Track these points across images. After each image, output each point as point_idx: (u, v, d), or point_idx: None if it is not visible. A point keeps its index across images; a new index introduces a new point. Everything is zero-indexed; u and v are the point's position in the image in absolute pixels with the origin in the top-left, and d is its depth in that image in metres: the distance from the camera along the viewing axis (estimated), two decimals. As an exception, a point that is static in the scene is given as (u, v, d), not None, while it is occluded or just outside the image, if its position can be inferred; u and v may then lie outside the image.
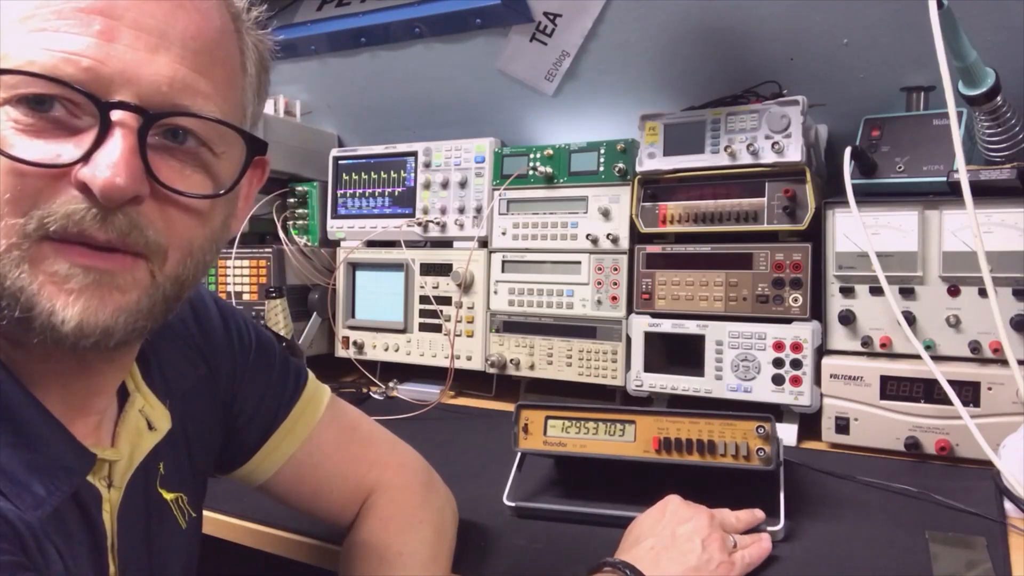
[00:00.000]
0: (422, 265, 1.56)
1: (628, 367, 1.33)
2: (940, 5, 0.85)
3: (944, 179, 1.08)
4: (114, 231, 0.46)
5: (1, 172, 0.44)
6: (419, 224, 1.55)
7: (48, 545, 0.48)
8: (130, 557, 0.58)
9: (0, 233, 0.44)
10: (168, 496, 0.64)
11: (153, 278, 0.50)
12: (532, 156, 1.44)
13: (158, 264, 0.50)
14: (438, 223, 1.53)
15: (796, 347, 1.18)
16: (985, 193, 1.01)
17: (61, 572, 0.49)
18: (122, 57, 0.46)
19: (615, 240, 1.36)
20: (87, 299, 0.46)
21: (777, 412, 1.17)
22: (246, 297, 1.61)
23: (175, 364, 0.66)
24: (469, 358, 1.50)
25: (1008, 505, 0.89)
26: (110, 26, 0.46)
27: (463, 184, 1.51)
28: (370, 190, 1.64)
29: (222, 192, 0.53)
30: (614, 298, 1.36)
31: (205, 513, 0.75)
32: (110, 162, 0.45)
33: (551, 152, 1.42)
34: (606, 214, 1.37)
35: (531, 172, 1.44)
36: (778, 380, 1.19)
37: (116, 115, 0.46)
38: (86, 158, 0.45)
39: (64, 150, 0.45)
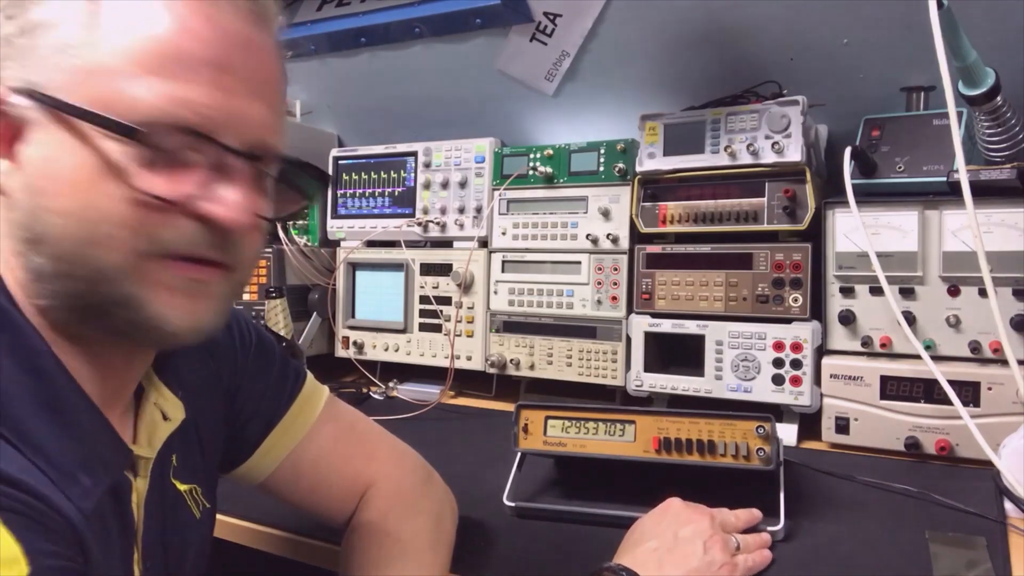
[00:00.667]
0: (422, 265, 1.56)
1: (628, 367, 1.33)
2: (940, 5, 0.85)
3: (944, 179, 1.08)
4: (219, 252, 0.53)
5: (126, 202, 0.49)
6: (419, 224, 1.55)
7: (91, 538, 0.50)
8: (151, 546, 0.60)
9: (121, 252, 0.49)
10: (182, 487, 0.66)
11: (232, 287, 0.57)
12: (532, 156, 1.44)
13: (237, 275, 0.56)
14: (438, 223, 1.53)
15: (796, 347, 1.18)
16: (985, 193, 1.01)
17: (101, 563, 0.51)
18: (233, 105, 0.51)
19: (615, 240, 1.36)
20: (190, 304, 0.53)
21: (777, 412, 1.17)
22: (246, 297, 1.61)
23: (186, 360, 0.67)
24: (469, 358, 1.50)
25: (1008, 505, 0.89)
26: (223, 77, 0.51)
27: (463, 184, 1.51)
28: (370, 190, 1.64)
29: (292, 215, 0.60)
30: (614, 298, 1.36)
31: (205, 512, 0.75)
32: (233, 201, 0.52)
33: (551, 152, 1.42)
34: (606, 214, 1.37)
35: (531, 172, 1.44)
36: (778, 380, 1.19)
37: (230, 157, 0.52)
38: (206, 195, 0.51)
39: (184, 185, 0.51)
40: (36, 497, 0.45)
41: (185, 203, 0.51)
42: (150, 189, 0.49)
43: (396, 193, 1.61)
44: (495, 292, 1.48)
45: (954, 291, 1.09)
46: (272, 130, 0.55)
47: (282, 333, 1.42)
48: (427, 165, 1.56)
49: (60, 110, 0.48)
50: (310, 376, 0.82)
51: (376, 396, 1.55)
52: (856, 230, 1.12)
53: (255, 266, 0.62)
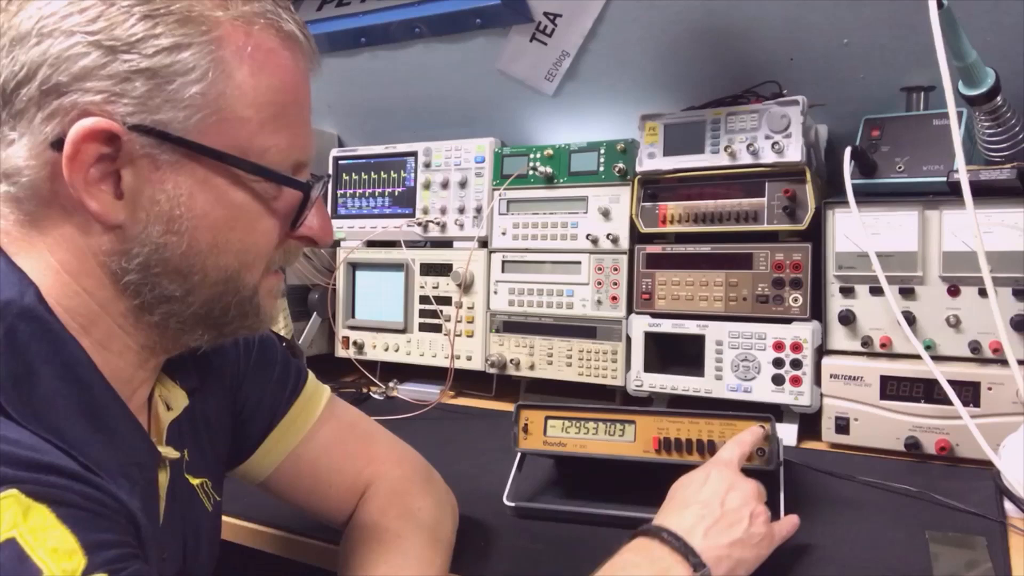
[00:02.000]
0: (422, 265, 1.56)
1: (628, 367, 1.33)
2: (940, 5, 0.85)
3: (944, 179, 1.08)
4: None
5: (278, 237, 0.59)
6: (419, 224, 1.55)
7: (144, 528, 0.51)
8: (170, 537, 0.62)
9: (258, 274, 0.59)
10: (195, 481, 0.67)
11: None
12: (532, 156, 1.44)
13: None
14: (438, 223, 1.53)
15: (796, 347, 1.17)
16: (985, 193, 1.01)
17: (149, 553, 0.53)
18: (312, 139, 0.60)
19: (615, 240, 1.36)
20: (275, 304, 0.63)
21: (777, 412, 1.17)
22: (246, 297, 1.61)
23: (193, 357, 0.68)
24: (469, 358, 1.50)
25: (1008, 505, 0.89)
26: (308, 117, 0.60)
27: (463, 184, 1.51)
28: (370, 190, 1.64)
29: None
30: (614, 298, 1.36)
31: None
32: (326, 222, 0.62)
33: (551, 152, 1.42)
34: (606, 214, 1.37)
35: (531, 172, 1.44)
36: (778, 380, 1.19)
37: (318, 188, 0.60)
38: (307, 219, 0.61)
39: (314, 220, 0.61)
40: (92, 486, 0.47)
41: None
42: (304, 232, 0.60)
43: (396, 193, 1.61)
44: (495, 292, 1.48)
45: (954, 291, 1.09)
46: None
47: (282, 333, 1.42)
48: (427, 165, 1.56)
49: (211, 156, 0.52)
50: (311, 376, 0.82)
51: (376, 396, 1.55)
52: (856, 230, 1.12)
53: None
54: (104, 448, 0.51)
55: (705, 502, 0.71)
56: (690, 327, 1.26)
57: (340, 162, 1.68)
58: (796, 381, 1.18)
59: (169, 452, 0.61)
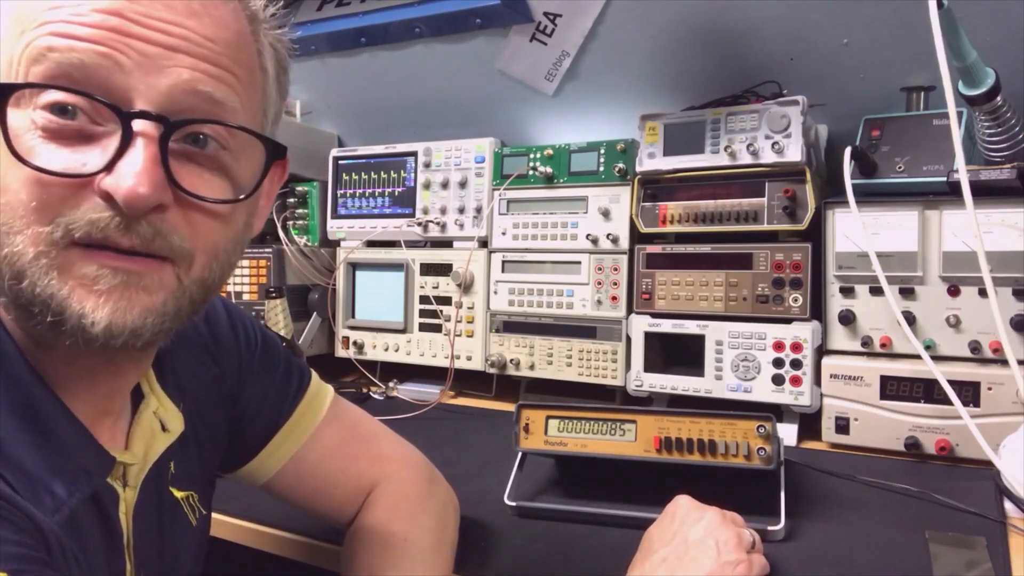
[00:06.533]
0: (422, 265, 1.56)
1: (628, 367, 1.33)
2: (940, 5, 0.85)
3: (944, 179, 1.08)
4: (138, 238, 0.47)
5: (27, 181, 0.44)
6: (419, 224, 1.55)
7: (66, 548, 0.48)
8: (145, 554, 0.59)
9: (28, 241, 0.45)
10: (179, 495, 0.65)
11: (180, 281, 0.50)
12: (532, 156, 1.44)
13: (184, 268, 0.50)
14: (438, 223, 1.53)
15: (796, 347, 1.18)
16: (985, 193, 1.01)
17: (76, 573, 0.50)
18: (140, 66, 0.46)
19: (615, 240, 1.36)
20: (116, 300, 0.47)
21: (777, 412, 1.17)
22: (246, 297, 1.61)
23: (188, 366, 0.67)
24: (469, 358, 1.50)
25: (1008, 505, 0.89)
26: (114, 25, 0.46)
27: (463, 184, 1.51)
28: (370, 190, 1.64)
29: (243, 197, 0.53)
30: (614, 298, 1.36)
31: (205, 513, 0.75)
32: (133, 172, 0.45)
33: (551, 152, 1.42)
34: (606, 214, 1.37)
35: (531, 172, 1.44)
36: (778, 380, 1.19)
37: (137, 124, 0.46)
38: (109, 167, 0.45)
39: (89, 159, 0.46)
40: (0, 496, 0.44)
41: (92, 180, 0.45)
42: (48, 165, 0.44)
43: (396, 193, 1.61)
44: (495, 292, 1.48)
45: (954, 291, 1.09)
46: (205, 95, 0.48)
47: (282, 333, 1.42)
48: (427, 165, 1.56)
49: None
50: (315, 376, 0.82)
51: (376, 396, 1.55)
52: (856, 230, 1.12)
53: (219, 258, 0.53)
54: (34, 451, 0.48)
55: (668, 541, 0.69)
56: (690, 327, 1.26)
57: (340, 162, 1.68)
58: (796, 381, 1.18)
59: (126, 456, 0.57)
